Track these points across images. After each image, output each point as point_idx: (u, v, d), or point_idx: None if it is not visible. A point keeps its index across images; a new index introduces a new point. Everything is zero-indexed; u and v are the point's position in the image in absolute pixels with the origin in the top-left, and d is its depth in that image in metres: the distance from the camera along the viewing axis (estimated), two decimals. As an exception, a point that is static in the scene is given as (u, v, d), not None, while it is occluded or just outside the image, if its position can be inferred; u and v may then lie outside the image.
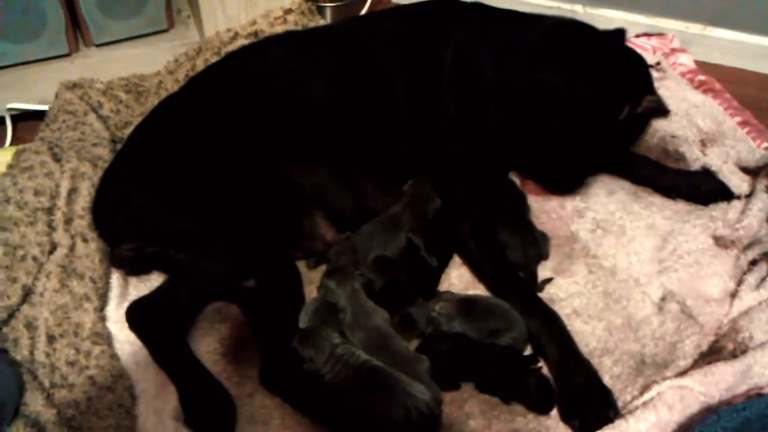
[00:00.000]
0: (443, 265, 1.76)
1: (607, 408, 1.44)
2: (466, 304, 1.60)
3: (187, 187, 1.64)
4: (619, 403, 1.47)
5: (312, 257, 1.77)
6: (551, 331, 1.55)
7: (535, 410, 1.47)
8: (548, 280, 1.72)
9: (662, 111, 1.77)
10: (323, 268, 1.71)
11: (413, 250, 1.71)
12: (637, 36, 2.48)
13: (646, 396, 1.44)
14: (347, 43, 1.90)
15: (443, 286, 1.73)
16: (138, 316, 1.62)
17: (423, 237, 1.72)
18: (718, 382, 1.43)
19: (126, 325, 1.62)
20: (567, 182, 1.90)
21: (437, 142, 1.78)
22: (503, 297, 1.64)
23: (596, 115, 1.69)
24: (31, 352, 1.54)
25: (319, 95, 1.80)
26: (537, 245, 1.74)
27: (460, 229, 1.73)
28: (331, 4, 2.59)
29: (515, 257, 1.70)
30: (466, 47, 1.80)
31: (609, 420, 1.41)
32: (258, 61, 1.88)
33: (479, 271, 1.74)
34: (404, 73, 1.81)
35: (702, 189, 1.90)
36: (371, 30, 1.91)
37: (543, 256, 1.76)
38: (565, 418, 1.46)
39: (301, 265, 1.69)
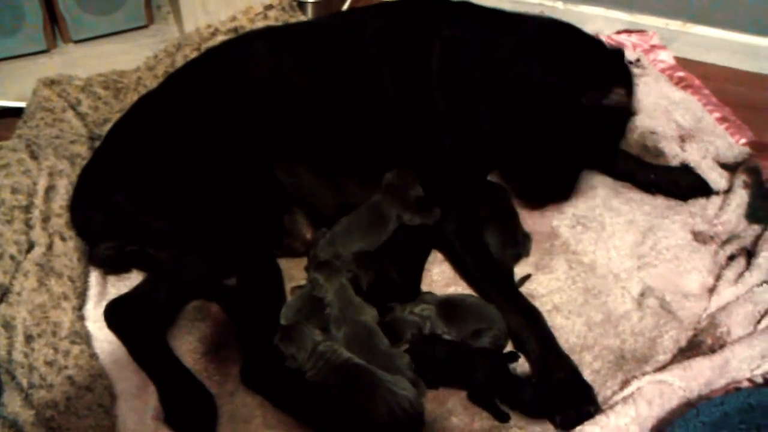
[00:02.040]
0: (423, 260, 1.76)
1: (588, 403, 1.45)
2: (447, 306, 1.59)
3: (166, 185, 1.63)
4: (599, 398, 1.48)
5: (292, 256, 1.76)
6: (532, 327, 1.56)
7: (530, 414, 1.47)
8: (527, 277, 1.72)
9: (629, 108, 1.75)
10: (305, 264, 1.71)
11: (395, 245, 1.71)
12: (618, 33, 2.49)
13: (626, 391, 1.45)
14: (331, 38, 1.89)
15: (424, 283, 1.73)
16: (116, 315, 1.61)
17: (412, 212, 1.73)
18: (696, 377, 1.44)
19: (105, 324, 1.61)
20: (554, 189, 1.88)
21: (426, 139, 1.78)
22: (485, 293, 1.65)
23: (564, 103, 1.70)
24: (9, 352, 1.53)
25: (302, 91, 1.79)
26: (516, 244, 1.75)
27: (445, 225, 1.73)
28: (312, 0, 2.57)
29: (493, 254, 1.70)
30: (454, 44, 1.80)
31: (590, 415, 1.41)
32: (238, 57, 1.87)
33: (461, 267, 1.74)
34: (391, 69, 1.80)
35: (681, 184, 1.92)
36: (356, 26, 1.90)
37: (521, 255, 1.76)
38: (546, 413, 1.47)
39: (282, 262, 1.69)
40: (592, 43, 1.81)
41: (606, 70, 1.72)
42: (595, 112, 1.68)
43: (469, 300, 1.64)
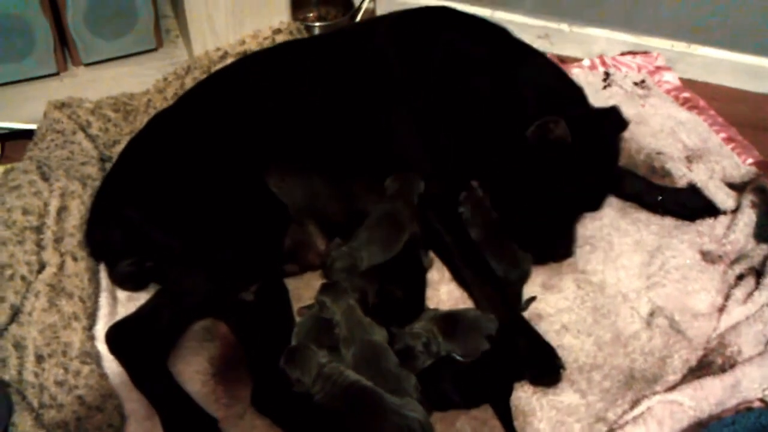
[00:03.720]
0: (425, 278, 1.77)
1: (552, 359, 1.56)
2: (449, 321, 1.59)
3: (177, 203, 1.64)
4: (610, 417, 1.48)
5: (308, 269, 1.77)
6: (498, 298, 1.65)
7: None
8: (532, 299, 1.72)
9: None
10: (315, 284, 1.71)
11: (398, 263, 1.71)
12: (622, 54, 2.51)
13: (636, 411, 1.45)
14: (342, 49, 1.94)
15: (432, 302, 1.73)
16: (117, 339, 1.59)
17: (417, 228, 1.75)
18: (707, 397, 1.44)
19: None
20: (551, 244, 1.80)
21: (425, 138, 1.82)
22: (455, 267, 1.75)
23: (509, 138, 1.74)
24: (20, 372, 1.53)
25: (314, 102, 1.82)
26: (518, 265, 1.74)
27: (427, 209, 1.78)
28: (320, 24, 2.60)
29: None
30: (451, 52, 1.86)
31: (556, 369, 1.54)
32: (246, 75, 1.90)
33: (437, 243, 1.79)
34: (401, 64, 1.86)
35: (688, 205, 1.92)
36: (365, 32, 1.98)
37: (525, 275, 1.75)
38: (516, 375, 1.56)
39: (290, 282, 1.69)
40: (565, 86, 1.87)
41: (545, 105, 1.74)
42: (545, 149, 1.67)
43: (470, 314, 1.63)
